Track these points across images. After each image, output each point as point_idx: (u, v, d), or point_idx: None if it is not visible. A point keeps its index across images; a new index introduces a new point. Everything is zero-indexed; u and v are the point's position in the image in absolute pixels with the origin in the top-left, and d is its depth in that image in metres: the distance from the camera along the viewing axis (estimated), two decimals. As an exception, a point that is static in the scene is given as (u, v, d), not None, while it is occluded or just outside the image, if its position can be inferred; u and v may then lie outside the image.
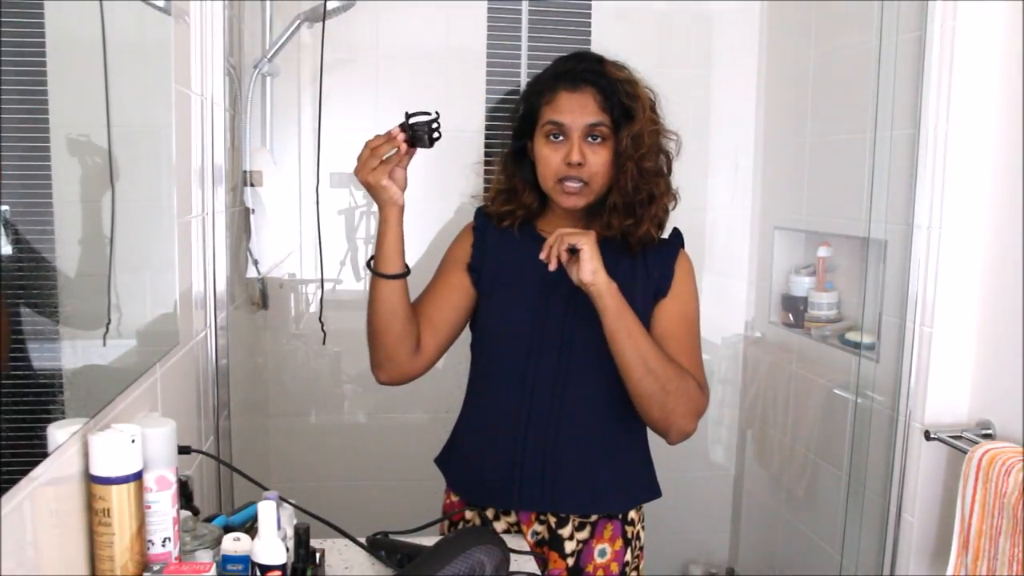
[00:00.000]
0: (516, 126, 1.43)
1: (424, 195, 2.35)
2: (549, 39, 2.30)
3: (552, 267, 1.27)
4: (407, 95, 2.33)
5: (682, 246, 1.44)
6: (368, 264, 1.35)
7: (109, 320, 0.99)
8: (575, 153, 1.32)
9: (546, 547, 1.39)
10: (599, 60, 1.37)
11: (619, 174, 1.34)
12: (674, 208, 1.42)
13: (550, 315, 1.37)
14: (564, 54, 1.42)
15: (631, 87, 1.34)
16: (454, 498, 1.48)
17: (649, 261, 1.40)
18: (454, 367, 1.60)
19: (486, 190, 1.55)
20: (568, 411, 1.37)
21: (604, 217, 1.37)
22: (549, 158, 1.35)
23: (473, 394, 1.48)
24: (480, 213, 1.49)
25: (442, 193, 2.26)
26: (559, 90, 1.35)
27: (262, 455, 2.30)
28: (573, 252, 1.27)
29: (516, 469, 1.36)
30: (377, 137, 1.28)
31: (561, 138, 1.34)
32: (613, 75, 1.34)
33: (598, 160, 1.33)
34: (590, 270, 1.25)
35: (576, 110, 1.32)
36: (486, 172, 2.19)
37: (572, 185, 1.34)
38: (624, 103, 1.32)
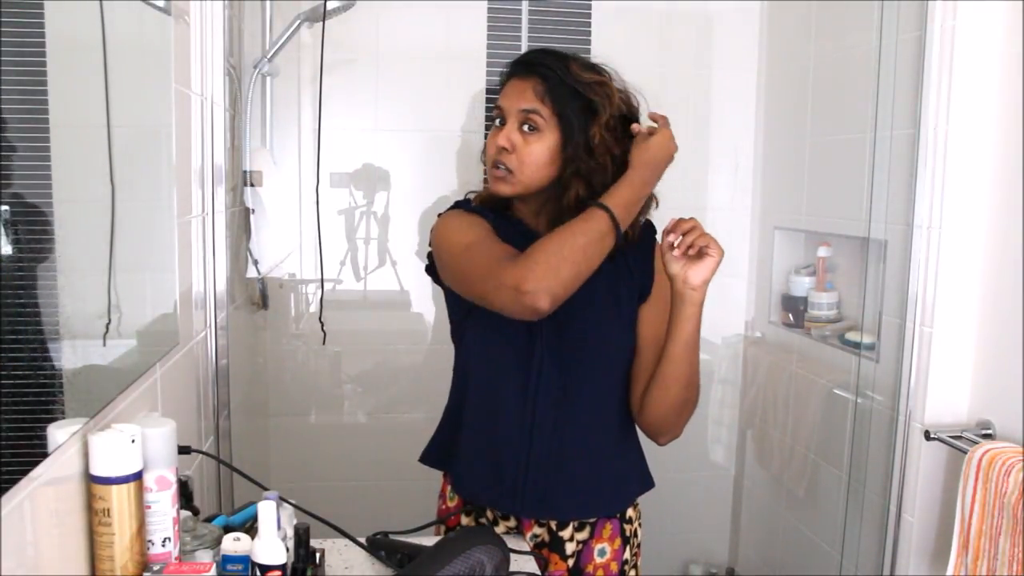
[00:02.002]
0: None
1: (425, 194, 2.36)
2: (549, 39, 2.30)
3: (678, 252, 1.25)
4: (407, 95, 2.34)
5: (654, 234, 1.40)
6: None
7: (109, 320, 0.99)
8: (502, 137, 1.29)
9: (546, 549, 1.39)
10: (563, 59, 1.31)
11: (589, 167, 1.28)
12: (656, 208, 1.37)
13: (547, 322, 1.30)
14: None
15: (597, 85, 1.28)
16: (450, 504, 1.47)
17: (629, 260, 1.37)
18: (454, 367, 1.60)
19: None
20: (572, 418, 1.35)
21: (564, 216, 1.29)
22: (489, 142, 1.33)
23: (472, 394, 1.42)
24: (469, 205, 1.41)
25: (443, 192, 2.27)
26: (512, 76, 1.33)
27: (262, 455, 2.30)
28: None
29: (520, 479, 1.35)
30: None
31: (504, 123, 1.31)
32: (574, 72, 1.28)
33: (528, 151, 1.28)
34: (705, 279, 1.26)
35: (514, 95, 1.30)
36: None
37: (498, 171, 1.31)
38: (587, 97, 1.27)
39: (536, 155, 1.29)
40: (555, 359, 1.34)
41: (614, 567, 1.41)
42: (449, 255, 1.33)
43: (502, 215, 1.38)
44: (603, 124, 1.28)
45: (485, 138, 1.38)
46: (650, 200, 1.34)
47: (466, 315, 1.38)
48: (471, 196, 1.43)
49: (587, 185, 1.29)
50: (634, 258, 1.38)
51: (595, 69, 1.32)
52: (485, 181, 1.38)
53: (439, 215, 1.40)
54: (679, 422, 1.37)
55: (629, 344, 1.38)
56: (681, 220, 1.27)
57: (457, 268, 1.32)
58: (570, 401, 1.35)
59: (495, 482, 1.38)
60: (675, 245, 1.26)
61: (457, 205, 1.42)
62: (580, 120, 1.27)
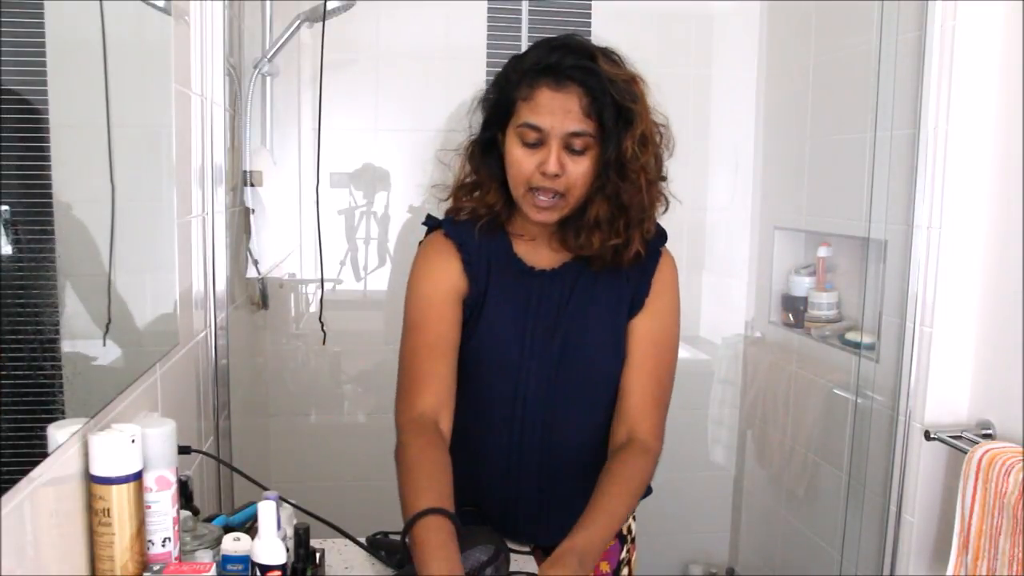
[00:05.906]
0: (488, 113, 1.25)
1: (425, 194, 2.35)
2: (549, 39, 2.30)
3: None
4: (407, 95, 2.34)
5: (663, 243, 1.30)
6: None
7: (109, 320, 0.99)
8: (552, 163, 1.13)
9: (539, 550, 1.38)
10: (591, 55, 1.15)
11: (616, 185, 1.16)
12: (665, 212, 1.27)
13: (538, 335, 1.26)
14: (551, 36, 1.20)
15: (629, 86, 1.15)
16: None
17: (628, 269, 1.26)
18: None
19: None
20: (560, 438, 1.29)
21: (583, 235, 1.20)
22: (522, 163, 1.16)
23: (461, 418, 1.28)
24: (452, 225, 1.28)
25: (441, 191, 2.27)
26: (540, 86, 1.14)
27: (262, 455, 2.30)
28: None
29: (511, 506, 1.31)
30: None
31: (540, 144, 1.16)
32: (607, 73, 1.14)
33: (577, 171, 1.15)
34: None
35: (558, 113, 1.13)
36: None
37: (543, 200, 1.17)
38: (622, 105, 1.14)
39: (585, 175, 1.16)
40: (544, 369, 1.26)
41: (605, 568, 1.40)
42: (404, 315, 1.25)
43: (488, 234, 1.27)
44: (636, 136, 1.15)
45: (472, 138, 1.31)
46: (658, 200, 1.23)
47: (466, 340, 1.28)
48: (463, 208, 1.30)
49: (613, 205, 1.17)
50: (635, 266, 1.26)
51: (616, 62, 1.18)
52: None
53: (420, 243, 1.32)
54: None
55: (619, 367, 1.28)
56: None
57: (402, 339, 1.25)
58: (557, 413, 1.27)
59: (483, 509, 1.33)
60: None
61: (433, 226, 1.31)
62: (616, 132, 1.14)
